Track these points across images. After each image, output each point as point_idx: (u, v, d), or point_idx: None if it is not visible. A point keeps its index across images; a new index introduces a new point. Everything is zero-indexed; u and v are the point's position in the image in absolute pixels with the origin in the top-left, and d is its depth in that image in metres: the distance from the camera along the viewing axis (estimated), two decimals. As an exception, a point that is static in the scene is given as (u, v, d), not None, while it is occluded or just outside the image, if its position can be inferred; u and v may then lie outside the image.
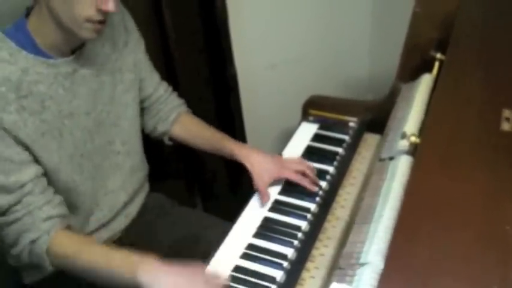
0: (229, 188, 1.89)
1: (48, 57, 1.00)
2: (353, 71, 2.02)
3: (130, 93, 1.18)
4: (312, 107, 1.50)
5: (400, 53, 1.37)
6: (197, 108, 1.39)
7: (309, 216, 1.14)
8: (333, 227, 1.12)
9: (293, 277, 1.01)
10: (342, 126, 1.42)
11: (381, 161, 1.10)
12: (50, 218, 1.00)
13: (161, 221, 1.30)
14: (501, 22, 1.25)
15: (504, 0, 1.33)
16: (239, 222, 1.15)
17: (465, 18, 1.24)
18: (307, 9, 1.83)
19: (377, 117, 1.37)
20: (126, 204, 1.23)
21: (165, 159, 1.67)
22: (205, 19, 1.56)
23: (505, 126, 0.92)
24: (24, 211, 0.98)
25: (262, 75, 1.85)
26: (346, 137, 1.38)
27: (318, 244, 1.08)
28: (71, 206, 1.10)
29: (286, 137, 1.43)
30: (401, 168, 0.99)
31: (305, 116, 1.50)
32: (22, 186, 0.97)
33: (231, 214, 1.19)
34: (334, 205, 1.18)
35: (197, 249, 1.20)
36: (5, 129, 0.94)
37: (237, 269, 1.04)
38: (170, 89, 1.33)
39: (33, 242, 0.98)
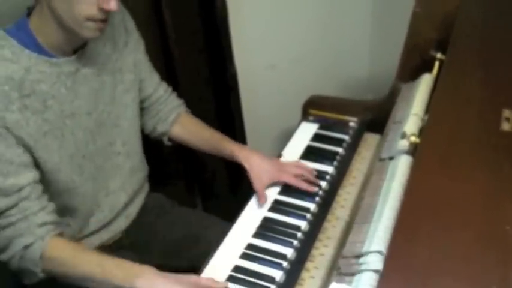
0: (229, 188, 1.89)
1: (51, 56, 1.00)
2: (353, 71, 2.02)
3: (130, 94, 1.18)
4: (312, 107, 1.50)
5: (400, 53, 1.37)
6: (197, 108, 1.39)
7: (308, 216, 1.14)
8: (333, 227, 1.12)
9: (293, 277, 1.00)
10: (342, 126, 1.42)
11: (380, 161, 1.10)
12: (44, 224, 0.99)
13: (161, 221, 1.30)
14: (501, 22, 1.25)
15: (504, 0, 1.33)
16: (239, 222, 1.15)
17: (465, 18, 1.24)
18: (307, 9, 1.83)
19: (377, 117, 1.37)
20: (126, 205, 1.23)
21: (165, 159, 1.67)
22: (205, 19, 1.56)
23: (505, 126, 0.92)
24: (19, 216, 0.97)
25: (262, 75, 1.85)
26: (346, 137, 1.38)
27: (317, 244, 1.08)
28: (70, 208, 1.10)
29: (286, 136, 1.43)
30: (401, 168, 0.99)
31: (305, 116, 1.50)
32: (20, 189, 0.97)
33: (231, 214, 1.19)
34: (334, 205, 1.18)
35: (197, 249, 1.20)
36: (7, 128, 0.94)
37: (237, 269, 1.04)
38: (170, 89, 1.33)
39: (26, 247, 0.97)
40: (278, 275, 1.01)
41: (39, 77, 0.98)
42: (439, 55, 1.28)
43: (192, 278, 0.96)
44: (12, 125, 0.94)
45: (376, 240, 0.85)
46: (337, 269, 0.88)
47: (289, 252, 1.06)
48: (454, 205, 0.79)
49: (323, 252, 1.06)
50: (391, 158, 1.06)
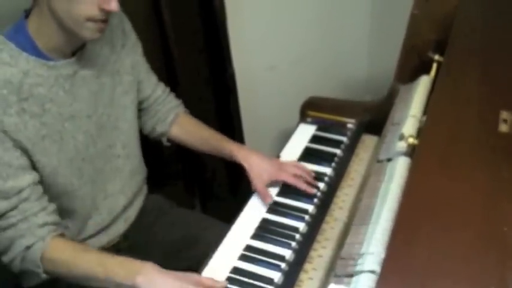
0: (229, 189, 1.89)
1: (49, 59, 1.00)
2: (352, 72, 2.02)
3: (129, 96, 1.18)
4: (310, 109, 1.50)
5: (398, 55, 1.37)
6: (196, 108, 1.39)
7: (306, 217, 1.14)
8: (331, 228, 1.12)
9: (291, 278, 1.00)
10: (340, 128, 1.42)
11: (378, 163, 1.10)
12: (45, 224, 0.99)
13: (159, 222, 1.29)
14: (499, 23, 1.25)
15: (502, 2, 1.33)
16: (237, 224, 1.15)
17: (463, 19, 1.24)
18: (306, 11, 1.83)
19: (375, 119, 1.37)
20: (125, 208, 1.23)
21: (163, 160, 1.67)
22: (204, 19, 1.56)
23: (503, 128, 0.92)
24: (19, 217, 0.97)
25: (261, 76, 1.85)
26: (344, 139, 1.38)
27: (315, 245, 1.08)
28: (69, 210, 1.10)
29: (284, 137, 1.43)
30: (399, 170, 0.99)
31: (303, 118, 1.50)
32: (19, 191, 0.97)
33: (230, 215, 1.19)
34: (332, 206, 1.18)
35: (195, 250, 1.20)
36: (5, 132, 0.94)
37: (235, 270, 1.03)
38: (168, 89, 1.33)
39: (27, 248, 0.97)
40: (276, 276, 1.01)
41: (37, 81, 0.98)
42: (437, 57, 1.28)
43: (192, 276, 0.96)
44: (10, 128, 0.94)
45: (374, 242, 0.85)
46: (335, 270, 0.88)
47: (287, 253, 1.06)
48: (453, 206, 0.79)
49: (321, 253, 1.06)
50: (389, 160, 1.06)
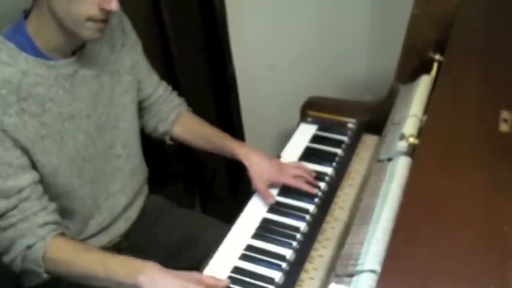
0: (229, 189, 1.89)
1: (48, 58, 1.00)
2: (352, 72, 2.02)
3: (128, 95, 1.18)
4: (311, 108, 1.50)
5: (398, 54, 1.37)
6: (197, 108, 1.39)
7: (307, 217, 1.14)
8: (332, 228, 1.12)
9: (292, 278, 1.01)
10: (341, 128, 1.42)
11: (379, 162, 1.10)
12: (46, 224, 0.99)
13: (160, 222, 1.29)
14: (500, 23, 1.25)
15: (503, 2, 1.33)
16: (238, 224, 1.15)
17: (464, 19, 1.24)
18: (307, 10, 1.83)
19: (375, 118, 1.37)
20: (126, 208, 1.23)
21: (164, 161, 1.67)
22: (204, 18, 1.56)
23: (503, 127, 0.92)
24: (20, 216, 0.97)
25: (261, 76, 1.85)
26: (345, 138, 1.38)
27: (316, 245, 1.08)
28: (69, 210, 1.10)
29: (285, 137, 1.44)
30: (399, 169, 0.99)
31: (303, 117, 1.50)
32: (20, 191, 0.97)
33: (230, 215, 1.19)
34: (333, 206, 1.18)
35: (196, 250, 1.20)
36: (4, 132, 0.94)
37: (236, 270, 1.04)
38: (170, 88, 1.33)
39: (28, 247, 0.97)
40: (277, 276, 1.01)
41: (37, 80, 0.98)
42: (437, 56, 1.28)
43: (194, 275, 0.96)
44: (9, 128, 0.94)
45: (374, 242, 0.85)
46: (335, 270, 0.88)
47: (288, 253, 1.06)
48: (453, 206, 0.79)
49: (322, 253, 1.06)
50: (390, 159, 1.06)
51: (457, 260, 0.71)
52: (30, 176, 0.98)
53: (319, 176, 1.25)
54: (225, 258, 1.07)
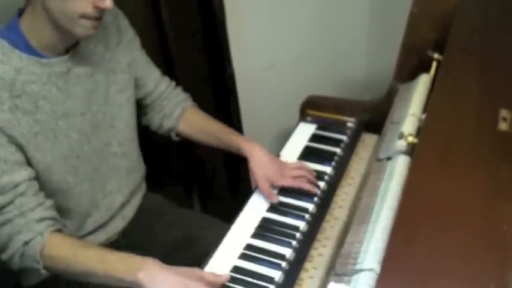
0: (229, 189, 1.89)
1: (42, 56, 1.00)
2: (351, 71, 2.02)
3: (124, 94, 1.17)
4: (310, 107, 1.50)
5: (397, 54, 1.37)
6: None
7: (307, 216, 1.14)
8: (331, 227, 1.12)
9: (291, 277, 1.01)
10: (340, 127, 1.42)
11: (378, 161, 1.10)
12: (43, 219, 0.99)
13: (159, 222, 1.29)
14: (498, 22, 1.25)
15: (502, 1, 1.33)
16: (237, 223, 1.15)
17: (463, 18, 1.24)
18: (306, 10, 1.83)
19: (375, 118, 1.37)
20: (123, 206, 1.23)
21: (163, 160, 1.67)
22: (203, 18, 1.56)
23: (502, 126, 0.92)
24: (16, 212, 0.97)
25: (260, 76, 1.85)
26: (344, 137, 1.38)
27: (316, 244, 1.08)
28: (65, 208, 1.10)
29: (284, 137, 1.43)
30: (399, 168, 0.99)
31: (303, 117, 1.50)
32: (15, 186, 0.97)
33: (230, 215, 1.19)
34: (332, 205, 1.18)
35: (195, 250, 1.20)
36: None
37: (236, 269, 1.04)
38: (173, 84, 1.32)
39: (26, 243, 0.97)
40: (277, 275, 1.01)
41: (30, 78, 0.99)
42: (436, 55, 1.28)
43: (194, 271, 0.95)
44: (4, 124, 0.95)
45: (374, 241, 0.85)
46: (335, 269, 0.88)
47: (288, 252, 1.06)
48: (452, 205, 0.79)
49: (322, 252, 1.06)
50: (389, 158, 1.06)
51: (456, 259, 0.71)
52: (25, 172, 0.99)
53: (319, 175, 1.25)
54: (224, 258, 1.07)
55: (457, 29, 1.20)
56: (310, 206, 1.17)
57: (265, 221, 1.15)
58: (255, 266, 1.04)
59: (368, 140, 1.39)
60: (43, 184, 1.04)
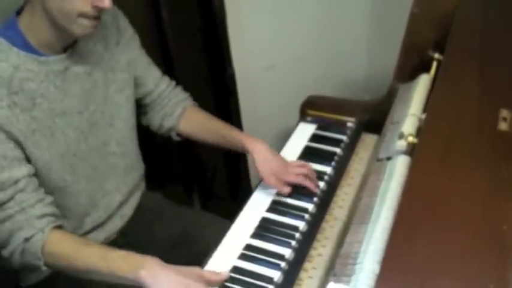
0: (229, 189, 1.89)
1: (40, 54, 1.01)
2: (351, 71, 2.02)
3: (123, 93, 1.17)
4: (310, 107, 1.50)
5: (398, 53, 1.37)
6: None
7: (306, 216, 1.14)
8: (331, 227, 1.12)
9: (291, 277, 1.00)
10: (340, 127, 1.42)
11: (378, 161, 1.10)
12: (43, 215, 0.99)
13: (158, 220, 1.29)
14: (499, 22, 1.25)
15: (502, 1, 1.33)
16: (237, 223, 1.15)
17: (463, 18, 1.24)
18: (306, 10, 1.83)
19: (375, 118, 1.37)
20: (121, 205, 1.23)
21: (163, 160, 1.67)
22: (204, 18, 1.56)
23: (502, 126, 0.92)
24: (17, 208, 0.97)
25: (260, 76, 1.85)
26: (344, 137, 1.38)
27: (315, 244, 1.08)
28: (63, 207, 1.09)
29: (284, 137, 1.43)
30: (398, 169, 0.99)
31: (303, 117, 1.50)
32: (15, 182, 0.97)
33: (229, 215, 1.19)
34: (332, 205, 1.18)
35: (195, 247, 1.20)
36: None
37: (235, 269, 1.03)
38: (173, 83, 1.32)
39: (27, 240, 0.97)
40: (276, 275, 1.01)
41: (28, 75, 0.99)
42: (436, 55, 1.28)
43: (194, 270, 0.96)
44: (2, 121, 0.95)
45: (373, 241, 0.85)
46: (334, 269, 0.88)
47: (287, 252, 1.06)
48: (452, 205, 0.79)
49: (321, 252, 1.06)
50: (389, 159, 1.06)
51: (456, 259, 0.71)
52: (25, 168, 0.99)
53: (319, 175, 1.24)
54: (224, 258, 1.06)
55: (457, 29, 1.20)
56: (310, 206, 1.16)
57: (264, 221, 1.15)
58: (254, 266, 1.04)
59: (368, 140, 1.39)
60: (42, 182, 1.04)
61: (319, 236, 1.10)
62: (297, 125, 1.47)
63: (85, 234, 1.17)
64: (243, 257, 1.06)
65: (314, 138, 1.40)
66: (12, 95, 0.97)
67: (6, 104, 0.96)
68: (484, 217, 0.77)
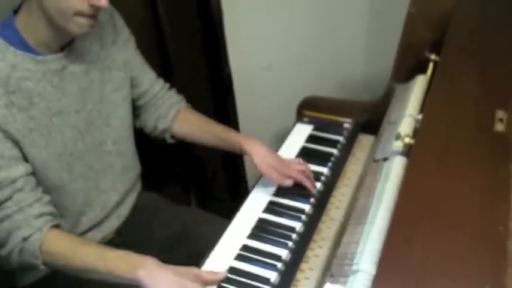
0: (228, 191, 1.89)
1: (37, 53, 1.00)
2: (348, 72, 2.02)
3: (120, 92, 1.17)
4: (307, 108, 1.50)
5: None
6: (193, 108, 1.39)
7: (303, 217, 1.14)
8: (328, 228, 1.12)
9: (287, 278, 1.00)
10: (337, 127, 1.42)
11: (375, 162, 1.10)
12: (41, 215, 0.99)
13: (155, 220, 1.29)
14: (496, 23, 1.25)
15: (499, 2, 1.33)
16: (234, 223, 1.15)
17: (460, 18, 1.24)
18: (304, 10, 1.83)
19: (371, 118, 1.37)
20: (118, 204, 1.23)
21: (161, 160, 1.66)
22: (201, 18, 1.56)
23: (499, 127, 0.92)
24: (15, 208, 0.97)
25: (258, 76, 1.85)
26: (341, 138, 1.38)
27: (312, 245, 1.08)
28: (60, 206, 1.09)
29: (282, 137, 1.43)
30: (395, 169, 0.99)
31: (299, 117, 1.50)
32: (13, 181, 0.97)
33: (228, 216, 1.18)
34: (329, 206, 1.17)
35: (192, 246, 1.20)
36: None
37: (231, 270, 1.03)
38: (167, 85, 1.32)
39: (25, 239, 0.97)
40: (273, 276, 1.01)
41: (25, 75, 0.99)
42: (433, 56, 1.28)
43: (192, 270, 0.96)
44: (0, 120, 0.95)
45: (370, 241, 0.85)
46: (331, 269, 0.87)
47: (284, 253, 1.05)
48: (449, 205, 0.79)
49: (318, 253, 1.06)
50: (386, 159, 1.06)
51: (453, 259, 0.70)
52: (23, 168, 0.99)
53: (315, 176, 1.24)
54: (220, 258, 1.06)
55: (455, 29, 1.20)
56: (307, 207, 1.16)
57: (261, 222, 1.14)
58: (250, 266, 1.04)
59: (365, 140, 1.39)
60: (39, 181, 1.04)
61: (315, 237, 1.09)
62: (293, 125, 1.47)
63: (82, 233, 1.17)
64: (239, 257, 1.06)
65: (311, 139, 1.40)
66: (10, 94, 0.96)
67: (3, 104, 0.95)
68: (481, 218, 0.76)
